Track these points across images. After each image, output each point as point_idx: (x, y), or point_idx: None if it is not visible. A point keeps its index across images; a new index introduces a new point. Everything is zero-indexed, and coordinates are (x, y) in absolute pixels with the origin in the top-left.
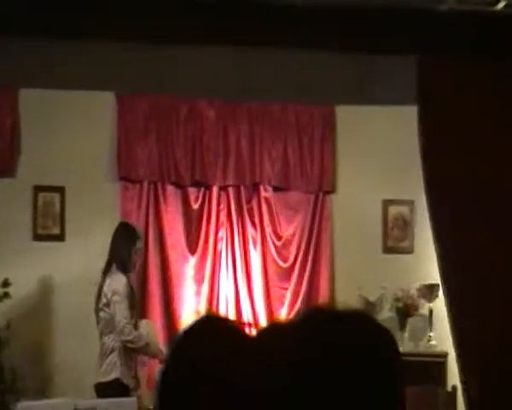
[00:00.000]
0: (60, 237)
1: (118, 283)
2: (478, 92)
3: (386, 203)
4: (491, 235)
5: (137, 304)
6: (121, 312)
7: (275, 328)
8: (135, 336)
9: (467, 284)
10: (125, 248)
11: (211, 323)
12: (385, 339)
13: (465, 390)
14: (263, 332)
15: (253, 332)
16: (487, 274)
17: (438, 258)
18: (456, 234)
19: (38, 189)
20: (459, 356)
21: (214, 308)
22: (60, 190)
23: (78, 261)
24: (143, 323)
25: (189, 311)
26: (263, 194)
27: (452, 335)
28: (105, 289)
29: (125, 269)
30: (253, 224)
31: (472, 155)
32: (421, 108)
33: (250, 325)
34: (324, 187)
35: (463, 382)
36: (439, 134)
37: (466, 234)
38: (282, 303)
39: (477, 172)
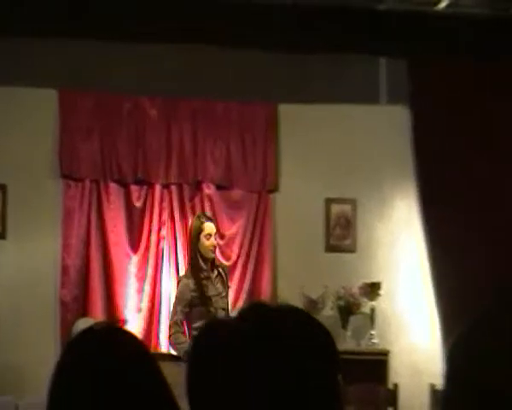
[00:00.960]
0: (1, 235)
1: (180, 285)
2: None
3: (329, 202)
4: (480, 235)
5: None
6: (171, 313)
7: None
8: (173, 338)
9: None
10: (192, 251)
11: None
12: (319, 330)
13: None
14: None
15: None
16: (476, 273)
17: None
18: (445, 230)
19: None
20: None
21: (155, 306)
22: (1, 187)
23: (20, 259)
24: (81, 322)
25: (131, 308)
26: (205, 192)
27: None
28: None
29: (190, 271)
30: None
31: (459, 152)
32: (412, 109)
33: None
34: (267, 186)
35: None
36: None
37: (454, 231)
38: None
39: (466, 172)
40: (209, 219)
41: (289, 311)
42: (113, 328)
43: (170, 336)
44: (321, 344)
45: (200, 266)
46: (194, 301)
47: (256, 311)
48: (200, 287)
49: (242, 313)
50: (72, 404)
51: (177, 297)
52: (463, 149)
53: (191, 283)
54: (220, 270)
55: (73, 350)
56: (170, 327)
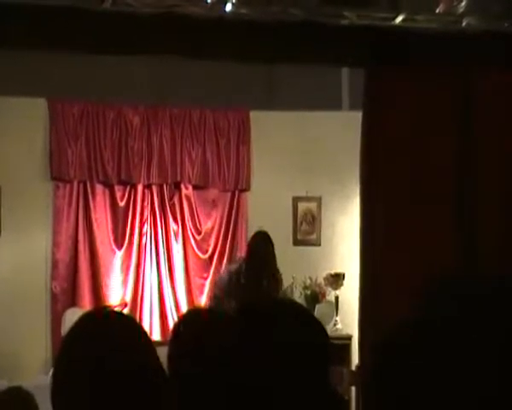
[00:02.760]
0: None
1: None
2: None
3: (296, 200)
4: (420, 235)
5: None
6: None
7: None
8: None
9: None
10: None
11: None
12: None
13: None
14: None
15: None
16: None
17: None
18: (386, 227)
19: None
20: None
21: (139, 296)
22: None
23: (13, 254)
24: (70, 312)
25: (117, 298)
26: (184, 192)
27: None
28: None
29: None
30: (175, 219)
31: (407, 156)
32: (366, 115)
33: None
34: (240, 185)
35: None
36: (378, 137)
37: (394, 228)
38: (202, 292)
39: (411, 175)
40: None
41: (285, 305)
42: (112, 312)
43: None
44: (314, 339)
45: None
46: None
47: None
48: None
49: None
50: (72, 386)
51: None
52: (411, 158)
53: None
54: None
55: (75, 334)
56: None
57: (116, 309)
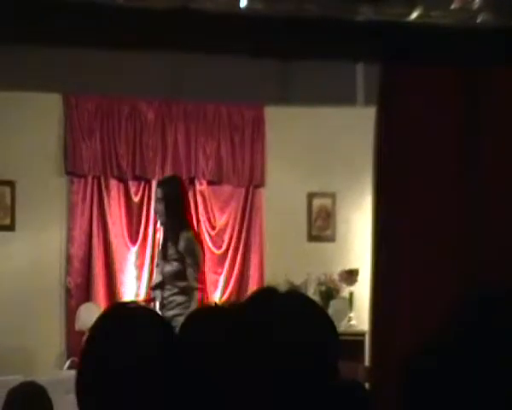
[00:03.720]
0: (10, 228)
1: None
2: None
3: (311, 196)
4: (433, 235)
5: None
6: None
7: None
8: None
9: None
10: None
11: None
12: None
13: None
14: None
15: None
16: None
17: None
18: (397, 226)
19: None
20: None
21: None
22: (10, 184)
23: (28, 249)
24: (85, 307)
25: (131, 294)
26: (198, 187)
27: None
28: None
29: None
30: (189, 214)
31: (421, 152)
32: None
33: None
34: (254, 181)
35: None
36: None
37: (407, 228)
38: (217, 287)
39: (424, 171)
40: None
41: (294, 299)
42: (136, 307)
43: None
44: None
45: None
46: None
47: (262, 299)
48: None
49: (250, 301)
50: (103, 384)
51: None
52: (425, 156)
53: None
54: None
55: (102, 330)
56: None
57: (142, 304)
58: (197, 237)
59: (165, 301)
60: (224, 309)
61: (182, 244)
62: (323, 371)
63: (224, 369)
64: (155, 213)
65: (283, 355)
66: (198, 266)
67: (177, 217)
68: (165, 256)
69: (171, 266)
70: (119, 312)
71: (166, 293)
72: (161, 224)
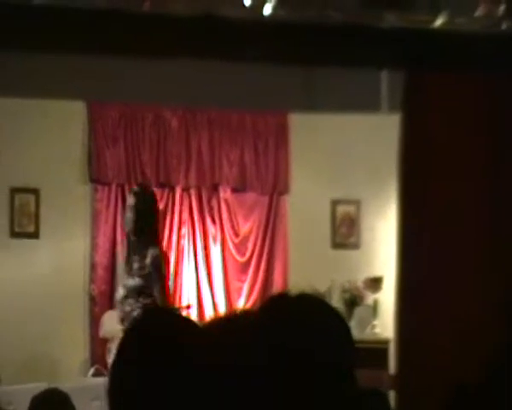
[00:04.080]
0: (35, 235)
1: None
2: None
3: (335, 203)
4: (455, 240)
5: None
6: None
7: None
8: None
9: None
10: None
11: (163, 311)
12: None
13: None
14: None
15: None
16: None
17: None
18: (421, 233)
19: (15, 191)
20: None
21: (177, 299)
22: (35, 191)
23: (52, 257)
24: (108, 315)
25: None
26: (222, 195)
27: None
28: None
29: None
30: (213, 222)
31: (446, 158)
32: (406, 117)
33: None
34: (278, 188)
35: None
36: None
37: (430, 234)
38: (240, 294)
39: (449, 178)
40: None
41: (309, 303)
42: (175, 314)
43: None
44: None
45: None
46: None
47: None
48: None
49: (264, 306)
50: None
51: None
52: (449, 161)
53: None
54: None
55: (134, 335)
56: None
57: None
58: (164, 254)
59: (124, 316)
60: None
61: (149, 260)
62: (338, 378)
63: (235, 374)
64: (124, 219)
65: (294, 360)
66: (164, 283)
67: (147, 231)
68: (129, 270)
69: (134, 281)
70: (156, 318)
71: (127, 308)
72: (127, 233)
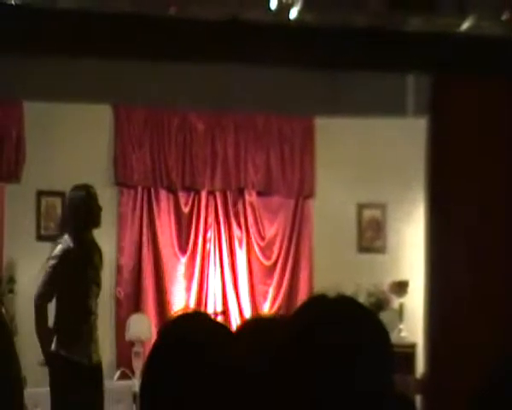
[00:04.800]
0: (60, 238)
1: None
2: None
3: (361, 207)
4: (485, 242)
5: None
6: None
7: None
8: None
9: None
10: None
11: (197, 314)
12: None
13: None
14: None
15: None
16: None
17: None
18: (450, 240)
19: (42, 194)
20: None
21: (203, 302)
22: (61, 194)
23: None
24: (134, 317)
25: (180, 304)
26: (247, 198)
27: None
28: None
29: None
30: (239, 225)
31: (473, 164)
32: (433, 122)
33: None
34: (304, 192)
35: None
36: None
37: (459, 236)
38: (266, 298)
39: (478, 185)
40: None
41: (346, 305)
42: (207, 317)
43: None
44: (374, 343)
45: None
46: None
47: (314, 305)
48: None
49: (299, 308)
50: (163, 387)
51: None
52: (477, 165)
53: None
54: None
55: (168, 335)
56: None
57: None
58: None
59: None
60: (274, 319)
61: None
62: (379, 383)
63: (273, 376)
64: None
65: (333, 361)
66: None
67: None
68: None
69: None
70: (189, 322)
71: None
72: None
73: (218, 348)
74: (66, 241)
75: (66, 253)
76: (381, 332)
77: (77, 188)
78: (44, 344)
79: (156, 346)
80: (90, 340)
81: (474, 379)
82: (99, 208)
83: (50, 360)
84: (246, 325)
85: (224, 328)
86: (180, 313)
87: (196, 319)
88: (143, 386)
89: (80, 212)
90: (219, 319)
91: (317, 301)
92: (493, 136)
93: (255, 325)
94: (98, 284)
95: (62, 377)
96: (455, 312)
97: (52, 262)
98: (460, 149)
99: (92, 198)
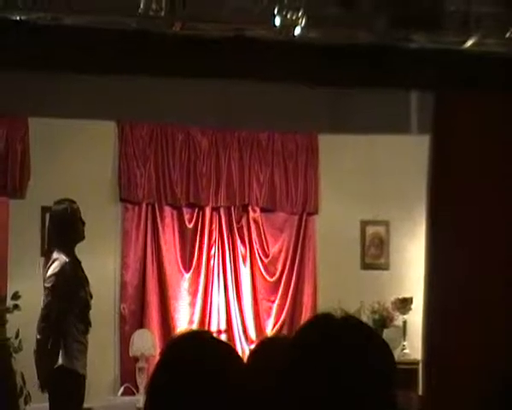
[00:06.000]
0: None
1: None
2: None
3: (364, 224)
4: (485, 262)
5: None
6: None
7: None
8: None
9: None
10: None
11: (197, 334)
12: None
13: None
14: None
15: (223, 338)
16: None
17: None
18: (448, 254)
19: (46, 209)
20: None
21: (207, 318)
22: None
23: None
24: (139, 333)
25: (184, 320)
26: (251, 215)
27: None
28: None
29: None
30: (243, 242)
31: (476, 183)
32: (435, 139)
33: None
34: (308, 209)
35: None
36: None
37: (459, 255)
38: (269, 315)
39: (479, 203)
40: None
41: (351, 326)
42: (210, 337)
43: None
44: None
45: None
46: None
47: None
48: None
49: (305, 328)
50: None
51: None
52: (480, 186)
53: None
54: None
55: (172, 354)
56: None
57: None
58: None
59: None
60: (282, 339)
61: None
62: (382, 401)
63: (282, 393)
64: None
65: (339, 381)
66: None
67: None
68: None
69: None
70: (191, 341)
71: None
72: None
73: (220, 366)
74: (60, 257)
75: (64, 268)
76: (385, 352)
77: (58, 202)
78: (45, 368)
79: (156, 369)
80: (87, 351)
81: (472, 395)
82: (82, 222)
83: (56, 375)
84: (261, 346)
85: (226, 346)
86: (183, 332)
87: (198, 337)
88: (145, 405)
89: (65, 226)
90: (223, 337)
91: (322, 321)
92: (496, 153)
93: (270, 346)
94: (91, 296)
95: (69, 391)
96: (453, 331)
97: (52, 280)
98: (462, 166)
99: (74, 213)
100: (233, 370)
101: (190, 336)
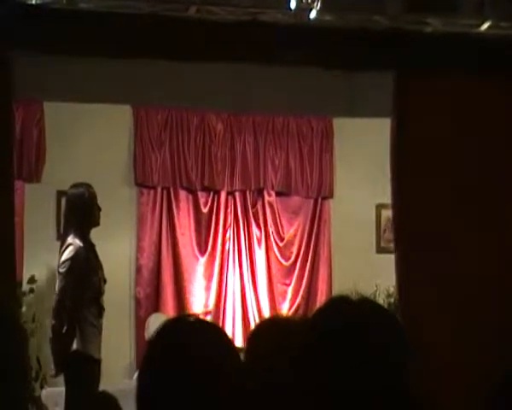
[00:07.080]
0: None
1: None
2: (457, 112)
3: (379, 207)
4: (454, 251)
5: None
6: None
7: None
8: None
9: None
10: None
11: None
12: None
13: None
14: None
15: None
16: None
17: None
18: (419, 244)
19: (62, 193)
20: None
21: (222, 303)
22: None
23: None
24: (154, 317)
25: (200, 304)
26: (266, 198)
27: None
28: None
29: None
30: (258, 225)
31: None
32: (397, 122)
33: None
34: (323, 192)
35: None
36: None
37: (429, 245)
38: (285, 298)
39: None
40: None
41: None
42: (199, 320)
43: None
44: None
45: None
46: None
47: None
48: None
49: (321, 309)
50: (159, 390)
51: None
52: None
53: None
54: None
55: (162, 340)
56: None
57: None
58: None
59: None
60: (294, 320)
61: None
62: (399, 381)
63: (291, 379)
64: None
65: (359, 366)
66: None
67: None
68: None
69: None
70: (178, 326)
71: None
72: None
73: (208, 349)
74: (74, 241)
75: (77, 254)
76: (401, 334)
77: (75, 186)
78: (60, 353)
79: (146, 354)
80: (101, 336)
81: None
82: (98, 208)
83: (71, 360)
84: (262, 325)
85: (214, 328)
86: (168, 319)
87: (184, 321)
88: (137, 393)
89: (81, 210)
90: (208, 318)
91: (339, 303)
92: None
93: (271, 326)
94: (105, 281)
95: (84, 375)
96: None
97: (66, 265)
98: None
99: (91, 197)
100: (221, 350)
101: (176, 321)
